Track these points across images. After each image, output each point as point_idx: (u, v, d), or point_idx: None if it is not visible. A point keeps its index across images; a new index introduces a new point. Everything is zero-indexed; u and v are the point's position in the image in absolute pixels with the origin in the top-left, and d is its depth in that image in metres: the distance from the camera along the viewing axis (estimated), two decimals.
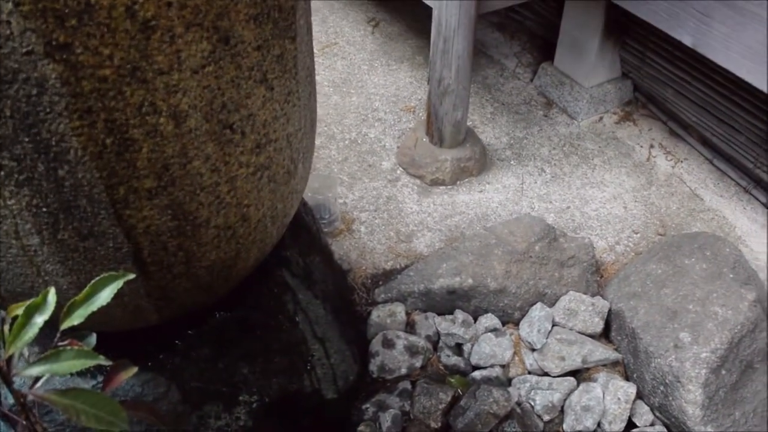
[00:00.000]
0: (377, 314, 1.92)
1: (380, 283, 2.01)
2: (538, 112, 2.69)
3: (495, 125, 2.61)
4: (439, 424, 1.70)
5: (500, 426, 1.70)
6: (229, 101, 0.94)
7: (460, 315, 1.87)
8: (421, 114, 2.57)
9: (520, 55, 2.98)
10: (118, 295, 0.75)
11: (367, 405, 1.74)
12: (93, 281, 0.75)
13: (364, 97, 2.71)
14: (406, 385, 1.78)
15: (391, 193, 2.28)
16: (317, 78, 2.79)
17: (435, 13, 2.04)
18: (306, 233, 1.64)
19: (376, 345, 1.84)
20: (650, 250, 2.06)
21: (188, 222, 1.01)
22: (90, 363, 0.69)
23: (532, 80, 2.86)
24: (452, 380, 1.80)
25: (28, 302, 0.71)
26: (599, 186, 2.36)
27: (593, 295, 1.95)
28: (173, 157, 0.92)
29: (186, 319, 1.33)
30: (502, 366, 1.84)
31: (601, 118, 2.65)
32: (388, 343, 1.83)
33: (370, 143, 2.49)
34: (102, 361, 0.69)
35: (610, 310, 1.91)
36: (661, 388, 1.72)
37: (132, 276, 0.76)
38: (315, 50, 2.94)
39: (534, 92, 2.79)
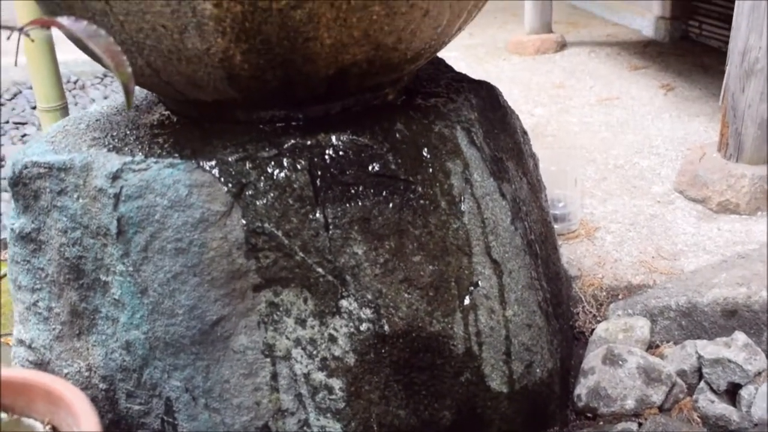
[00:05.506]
0: (605, 327, 1.30)
1: (619, 297, 1.39)
2: None
3: None
4: None
5: None
6: None
7: (740, 337, 1.16)
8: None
9: None
10: None
11: None
12: None
13: (642, 136, 2.19)
14: (630, 426, 1.11)
15: (658, 212, 1.68)
16: (589, 120, 2.35)
17: None
18: (499, 119, 1.14)
19: (592, 360, 1.21)
20: None
21: None
22: None
23: None
24: None
25: None
26: None
27: None
28: None
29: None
30: None
31: None
32: (613, 360, 1.19)
33: (639, 170, 1.94)
34: None
35: None
36: None
37: None
38: (592, 101, 2.53)
39: None
